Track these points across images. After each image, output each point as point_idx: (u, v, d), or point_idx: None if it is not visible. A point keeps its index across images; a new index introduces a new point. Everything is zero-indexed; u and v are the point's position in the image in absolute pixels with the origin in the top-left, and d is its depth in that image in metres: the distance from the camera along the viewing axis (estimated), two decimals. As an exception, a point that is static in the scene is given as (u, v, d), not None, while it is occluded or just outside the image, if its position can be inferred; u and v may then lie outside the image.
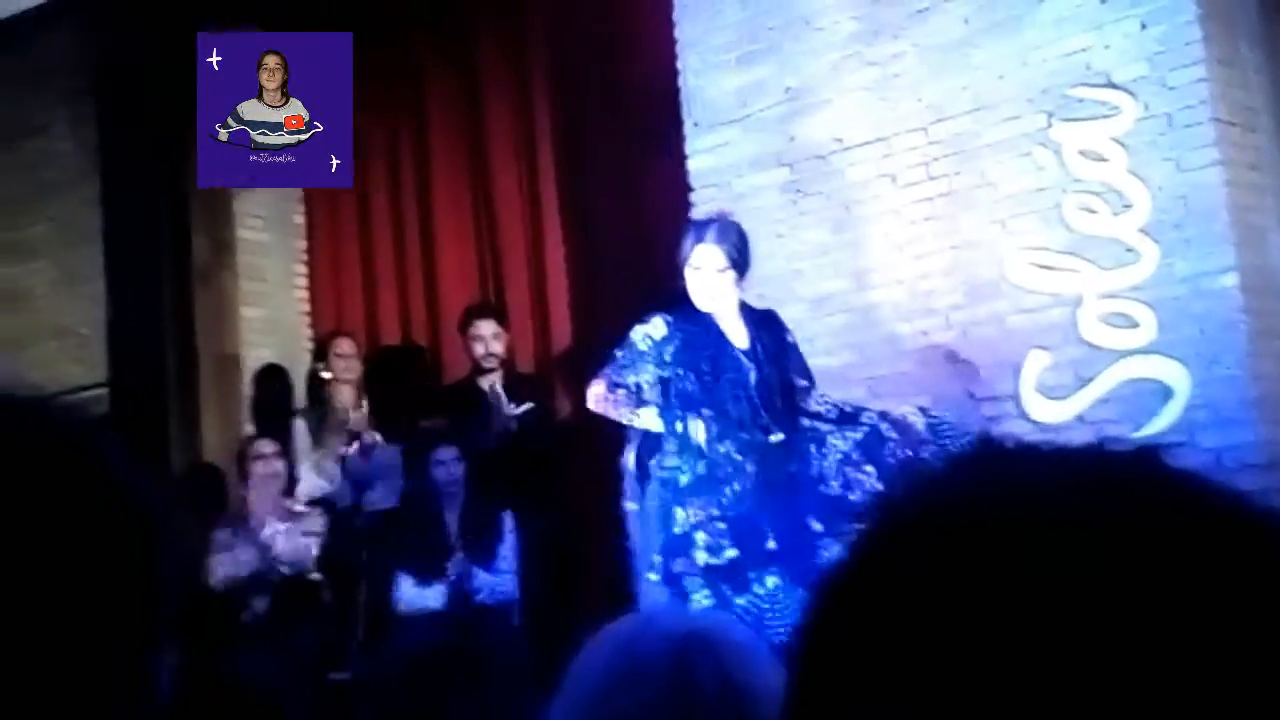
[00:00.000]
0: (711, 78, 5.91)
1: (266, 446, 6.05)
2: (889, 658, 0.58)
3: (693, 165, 5.92)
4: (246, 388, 7.07)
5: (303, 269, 7.61)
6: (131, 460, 0.78)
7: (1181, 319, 4.77)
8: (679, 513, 4.22)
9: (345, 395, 6.56)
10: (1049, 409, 5.01)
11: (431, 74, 7.31)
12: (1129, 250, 4.91)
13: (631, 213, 6.60)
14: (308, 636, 5.77)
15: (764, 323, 4.42)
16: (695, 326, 4.30)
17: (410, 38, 7.31)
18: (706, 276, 4.30)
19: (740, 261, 4.34)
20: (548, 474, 6.14)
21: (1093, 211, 4.99)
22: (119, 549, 0.73)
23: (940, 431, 4.30)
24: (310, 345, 7.30)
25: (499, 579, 5.77)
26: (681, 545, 4.19)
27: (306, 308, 7.57)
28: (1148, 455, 0.62)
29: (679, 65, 6.00)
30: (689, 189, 5.91)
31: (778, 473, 4.19)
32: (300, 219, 7.66)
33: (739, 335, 4.34)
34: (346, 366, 6.58)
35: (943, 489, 0.63)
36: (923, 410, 4.39)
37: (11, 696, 0.68)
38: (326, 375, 6.55)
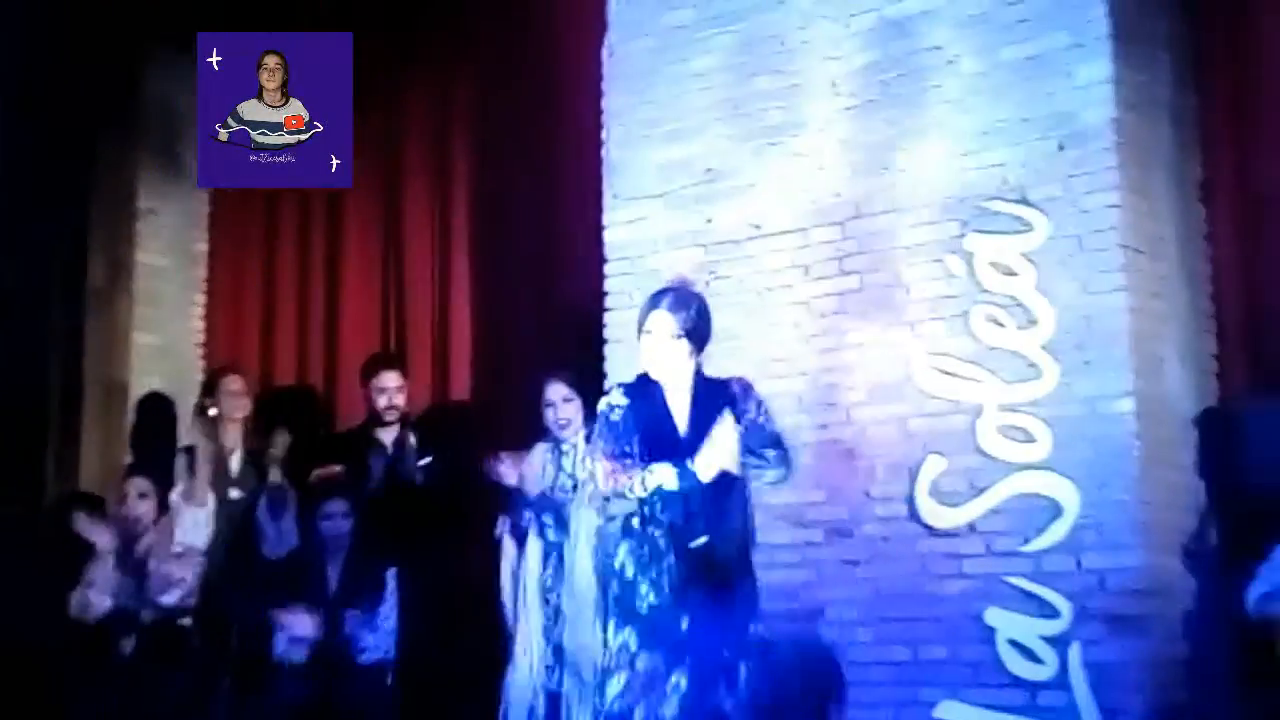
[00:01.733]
0: (635, 151, 5.92)
1: (143, 484, 5.89)
2: None
3: (609, 236, 5.91)
4: (131, 416, 6.89)
5: (201, 297, 7.47)
6: None
7: (1076, 438, 4.85)
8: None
9: (232, 433, 6.41)
10: (941, 514, 5.05)
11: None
12: (1031, 365, 4.98)
13: (543, 276, 6.57)
14: (176, 680, 5.62)
15: (716, 397, 4.21)
16: (643, 398, 4.18)
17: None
18: (658, 342, 4.20)
19: (695, 331, 4.22)
20: (438, 531, 6.05)
21: (999, 324, 5.06)
22: None
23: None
24: (201, 377, 7.14)
25: (376, 636, 5.66)
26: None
27: (202, 338, 7.42)
28: None
29: (603, 135, 6.00)
30: (603, 259, 5.90)
31: (697, 583, 3.99)
32: (203, 246, 7.52)
33: (681, 414, 4.19)
34: (236, 405, 6.43)
35: None
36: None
37: None
38: (214, 412, 6.40)
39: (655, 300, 4.29)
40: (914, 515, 5.11)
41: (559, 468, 5.47)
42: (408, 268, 6.97)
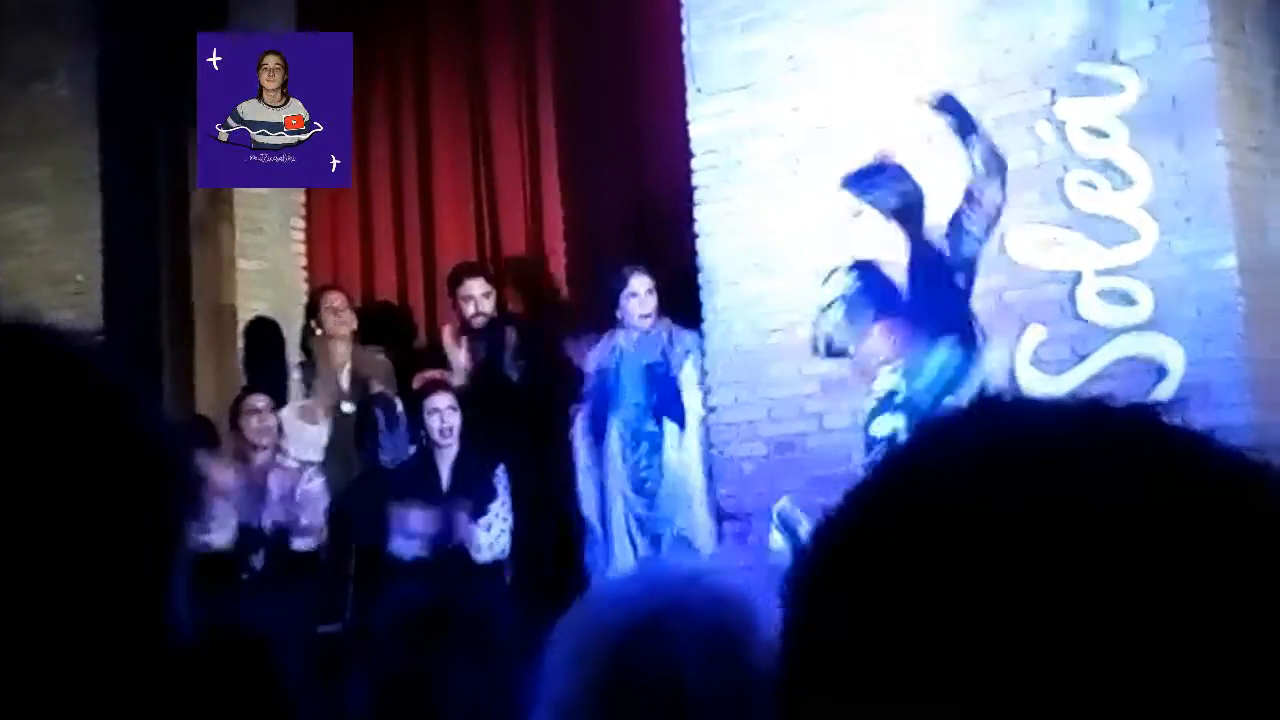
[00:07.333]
0: (716, 43, 5.89)
1: (259, 401, 6.02)
2: (888, 613, 0.58)
3: (694, 131, 5.90)
4: (241, 340, 7.07)
5: (300, 222, 7.60)
6: (149, 399, 0.78)
7: (1179, 298, 4.79)
8: None
9: (340, 350, 6.55)
10: (1044, 384, 5.02)
11: (434, 29, 7.28)
12: (1129, 228, 4.91)
13: (631, 173, 6.60)
14: (302, 591, 5.78)
15: None
16: None
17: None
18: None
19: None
20: (537, 427, 6.15)
21: (1094, 188, 4.99)
22: (138, 484, 0.73)
23: None
24: (305, 300, 7.29)
25: (490, 534, 5.77)
26: None
27: (304, 261, 7.57)
28: (1145, 410, 0.63)
29: (684, 30, 5.97)
30: (690, 155, 5.89)
31: None
32: (299, 172, 7.64)
33: None
34: (339, 321, 6.56)
35: (944, 440, 0.63)
36: None
37: (28, 633, 0.67)
38: (319, 331, 6.53)
39: None
40: (1015, 387, 5.07)
41: (639, 355, 5.56)
42: (498, 174, 7.04)
